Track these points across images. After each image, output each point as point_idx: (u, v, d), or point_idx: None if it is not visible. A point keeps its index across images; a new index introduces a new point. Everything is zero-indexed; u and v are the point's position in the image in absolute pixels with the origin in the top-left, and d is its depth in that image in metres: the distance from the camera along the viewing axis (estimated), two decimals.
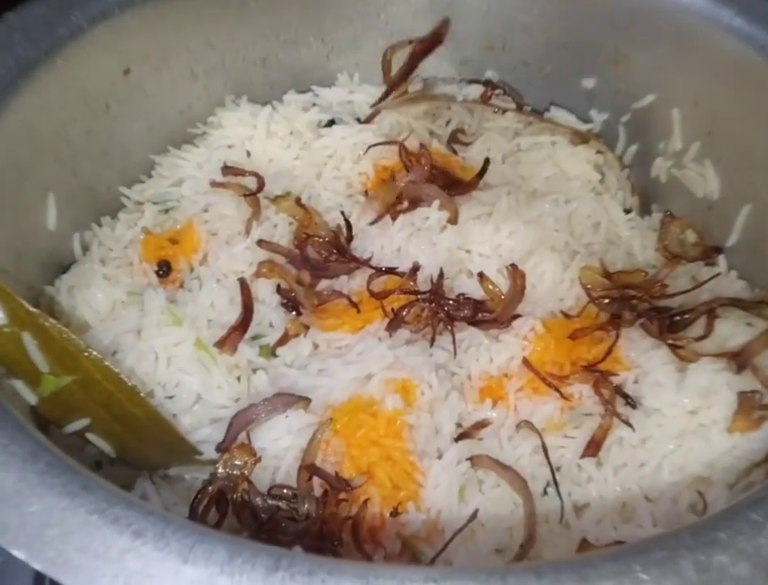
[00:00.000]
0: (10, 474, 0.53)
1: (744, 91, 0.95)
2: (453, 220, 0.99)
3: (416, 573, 0.47)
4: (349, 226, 1.01)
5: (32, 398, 0.71)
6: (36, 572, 0.99)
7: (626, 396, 0.86)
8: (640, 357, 0.89)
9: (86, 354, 0.72)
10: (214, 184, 1.03)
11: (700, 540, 0.50)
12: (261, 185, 1.02)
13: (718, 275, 0.98)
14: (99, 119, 0.99)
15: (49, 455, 0.55)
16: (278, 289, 0.94)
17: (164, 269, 0.97)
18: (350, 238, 1.01)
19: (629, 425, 0.84)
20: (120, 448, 0.76)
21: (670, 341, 0.88)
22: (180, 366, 0.88)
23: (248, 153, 1.10)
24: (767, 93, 0.92)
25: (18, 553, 0.48)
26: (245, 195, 1.00)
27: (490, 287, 0.95)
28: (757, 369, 0.85)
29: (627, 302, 0.93)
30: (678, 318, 0.91)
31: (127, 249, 1.00)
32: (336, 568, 0.48)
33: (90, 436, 0.74)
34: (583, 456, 0.83)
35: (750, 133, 0.96)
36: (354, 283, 0.97)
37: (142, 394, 0.74)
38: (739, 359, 0.85)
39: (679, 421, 0.84)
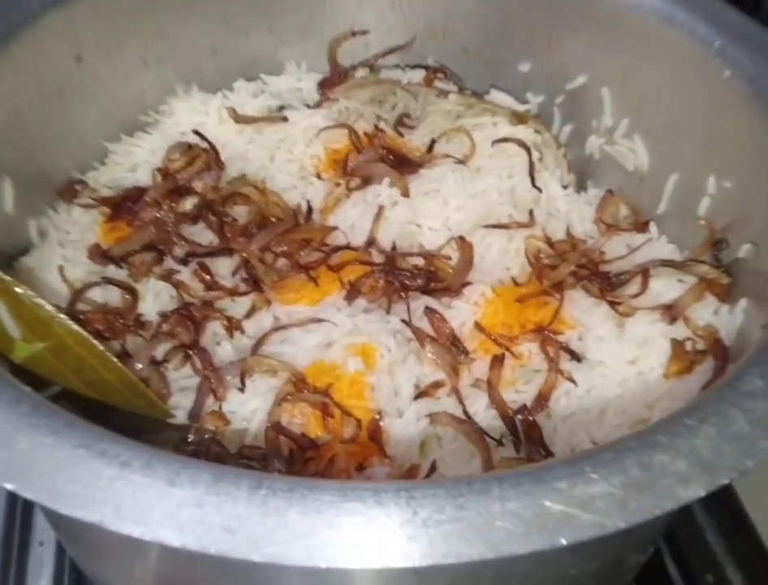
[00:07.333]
0: None
1: (669, 67, 1.01)
2: (405, 194, 1.04)
3: (390, 485, 0.51)
4: (309, 208, 1.05)
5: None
6: None
7: (571, 352, 0.91)
8: (583, 316, 0.95)
9: (57, 320, 0.72)
10: None
11: (642, 443, 0.55)
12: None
13: (650, 240, 1.04)
14: (54, 105, 1.00)
15: (32, 399, 0.57)
16: (245, 265, 0.97)
17: None
18: (308, 219, 1.05)
19: (572, 380, 0.89)
20: (91, 415, 0.77)
21: (609, 299, 0.94)
22: None
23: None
24: (689, 68, 0.98)
25: (9, 486, 0.50)
26: None
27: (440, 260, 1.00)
28: (688, 319, 0.92)
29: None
30: (615, 279, 0.97)
31: (85, 233, 1.01)
32: (315, 484, 0.51)
33: (61, 404, 0.75)
34: (532, 408, 0.88)
35: (675, 106, 1.02)
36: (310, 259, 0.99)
37: (114, 359, 0.75)
38: (672, 311, 0.92)
39: (621, 370, 0.90)
